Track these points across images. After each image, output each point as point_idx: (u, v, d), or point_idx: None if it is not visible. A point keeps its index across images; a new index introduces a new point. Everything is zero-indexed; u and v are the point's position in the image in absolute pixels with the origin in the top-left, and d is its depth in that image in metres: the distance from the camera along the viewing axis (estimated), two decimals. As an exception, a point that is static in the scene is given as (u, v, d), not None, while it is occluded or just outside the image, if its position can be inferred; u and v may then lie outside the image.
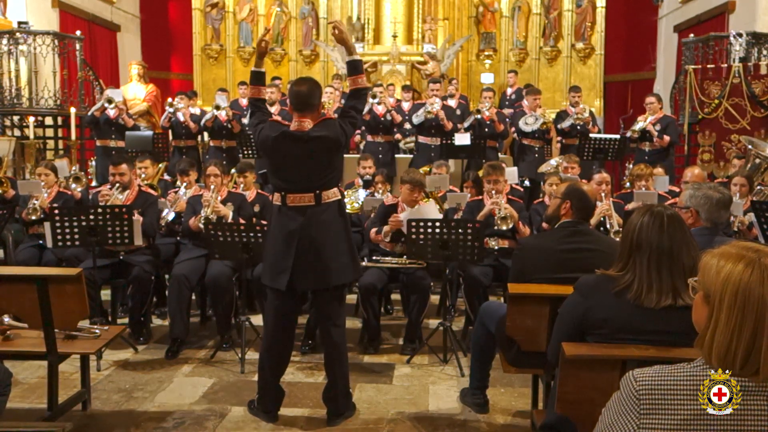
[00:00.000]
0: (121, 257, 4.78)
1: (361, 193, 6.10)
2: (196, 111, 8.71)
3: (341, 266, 3.40)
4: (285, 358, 3.57)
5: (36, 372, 4.08)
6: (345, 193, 6.09)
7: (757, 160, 6.26)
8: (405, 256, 4.67)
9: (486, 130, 7.97)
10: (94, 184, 7.65)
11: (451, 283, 4.69)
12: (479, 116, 7.97)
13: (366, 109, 8.20)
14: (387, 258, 4.76)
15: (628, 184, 6.58)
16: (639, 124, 7.76)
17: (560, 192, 3.28)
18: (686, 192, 3.18)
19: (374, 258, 4.83)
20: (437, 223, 4.36)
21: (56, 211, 4.45)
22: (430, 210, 4.85)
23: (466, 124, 8.02)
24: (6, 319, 3.28)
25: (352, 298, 5.29)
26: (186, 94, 8.94)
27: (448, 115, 7.96)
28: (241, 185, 5.61)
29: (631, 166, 7.67)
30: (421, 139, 8.13)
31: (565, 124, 8.20)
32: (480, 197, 5.27)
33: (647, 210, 2.28)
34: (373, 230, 4.88)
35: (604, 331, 2.26)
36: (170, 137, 8.57)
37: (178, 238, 5.34)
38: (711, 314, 1.41)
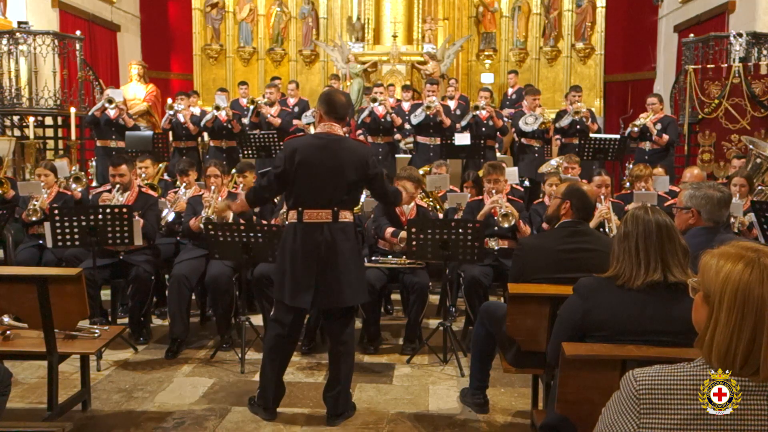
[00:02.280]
0: (121, 257, 4.78)
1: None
2: (197, 111, 8.71)
3: (353, 288, 3.41)
4: (289, 358, 3.60)
5: (36, 372, 4.08)
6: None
7: (758, 160, 6.26)
8: (405, 256, 4.67)
9: (483, 129, 7.97)
10: (94, 184, 7.65)
11: (451, 283, 4.69)
12: (477, 112, 7.96)
13: (366, 111, 8.24)
14: (386, 258, 4.76)
15: (628, 184, 6.58)
16: (640, 121, 7.78)
17: (560, 192, 3.29)
18: (686, 192, 3.18)
19: (374, 258, 4.83)
20: (437, 223, 4.37)
21: (56, 212, 4.45)
22: None
23: (463, 123, 8.02)
24: (6, 319, 3.29)
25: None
26: (185, 93, 8.94)
27: (447, 115, 7.97)
28: (241, 185, 5.61)
29: (631, 166, 7.68)
30: (420, 138, 8.14)
31: (564, 122, 8.20)
32: (480, 197, 5.27)
33: (629, 212, 2.42)
34: (389, 230, 4.82)
35: (603, 333, 2.26)
36: (170, 138, 8.57)
37: (178, 238, 5.34)
38: (711, 314, 1.41)
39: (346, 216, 3.40)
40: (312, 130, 8.19)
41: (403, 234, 4.70)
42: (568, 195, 3.18)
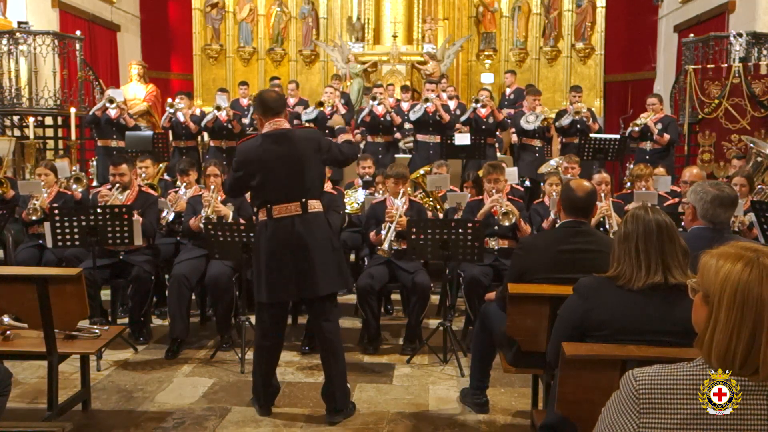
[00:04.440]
0: (121, 257, 4.78)
1: (361, 193, 6.09)
2: (196, 112, 8.70)
3: (329, 276, 3.43)
4: (276, 357, 3.64)
5: (36, 372, 4.08)
6: (345, 192, 6.09)
7: (759, 159, 6.26)
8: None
9: (483, 127, 7.98)
10: (95, 184, 7.65)
11: (451, 283, 4.69)
12: (477, 105, 7.97)
13: (366, 110, 8.24)
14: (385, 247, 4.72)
15: (628, 184, 6.57)
16: (640, 120, 7.78)
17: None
18: (691, 187, 3.19)
19: (375, 256, 4.83)
20: (437, 223, 4.37)
21: (56, 211, 4.45)
22: None
23: (464, 118, 8.04)
24: (6, 319, 3.28)
25: (352, 298, 5.29)
26: (186, 94, 8.93)
27: (446, 112, 7.98)
28: (241, 185, 5.60)
29: (631, 165, 7.67)
30: (420, 137, 8.15)
31: (565, 121, 8.20)
32: (480, 197, 5.27)
33: (630, 212, 2.40)
34: (372, 233, 4.88)
35: (603, 333, 2.26)
36: (170, 137, 8.57)
37: (178, 238, 5.34)
38: (710, 314, 1.41)
39: (314, 206, 3.44)
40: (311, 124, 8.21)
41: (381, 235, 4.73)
42: (560, 193, 3.19)
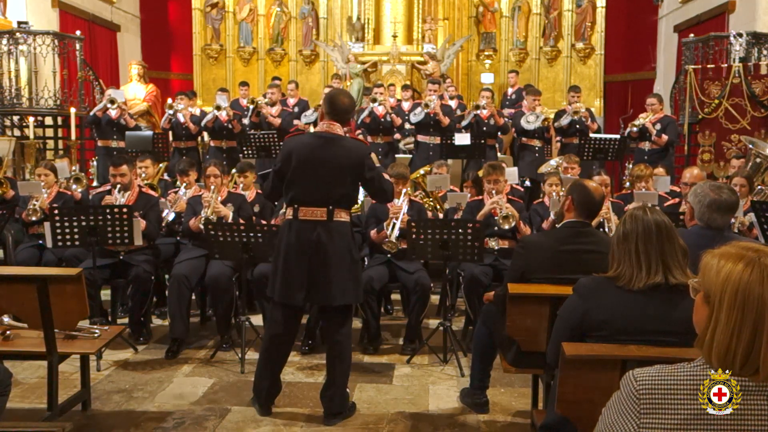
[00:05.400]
0: (121, 257, 4.78)
1: (361, 193, 6.08)
2: (196, 112, 8.70)
3: (342, 287, 3.41)
4: (284, 357, 3.62)
5: (36, 372, 4.08)
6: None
7: (758, 160, 6.25)
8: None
9: (484, 129, 7.98)
10: (95, 184, 7.65)
11: (451, 283, 4.69)
12: (478, 111, 7.97)
13: (366, 111, 8.24)
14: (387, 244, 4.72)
15: (628, 184, 6.57)
16: (639, 121, 7.78)
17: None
18: (693, 187, 3.18)
19: (376, 255, 4.83)
20: (437, 223, 4.37)
21: (56, 212, 4.45)
22: None
23: (464, 122, 8.03)
24: (6, 319, 3.29)
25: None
26: (186, 94, 8.93)
27: (447, 114, 7.98)
28: (241, 185, 5.61)
29: (630, 166, 7.67)
30: (420, 137, 8.15)
31: (564, 121, 8.19)
32: (480, 197, 5.27)
33: (628, 212, 2.41)
34: (373, 231, 4.87)
35: (603, 333, 2.26)
36: (170, 138, 8.57)
37: (178, 238, 5.34)
38: (711, 314, 1.41)
39: (341, 215, 3.42)
40: (311, 130, 8.20)
41: (384, 232, 4.72)
42: (571, 190, 3.17)
